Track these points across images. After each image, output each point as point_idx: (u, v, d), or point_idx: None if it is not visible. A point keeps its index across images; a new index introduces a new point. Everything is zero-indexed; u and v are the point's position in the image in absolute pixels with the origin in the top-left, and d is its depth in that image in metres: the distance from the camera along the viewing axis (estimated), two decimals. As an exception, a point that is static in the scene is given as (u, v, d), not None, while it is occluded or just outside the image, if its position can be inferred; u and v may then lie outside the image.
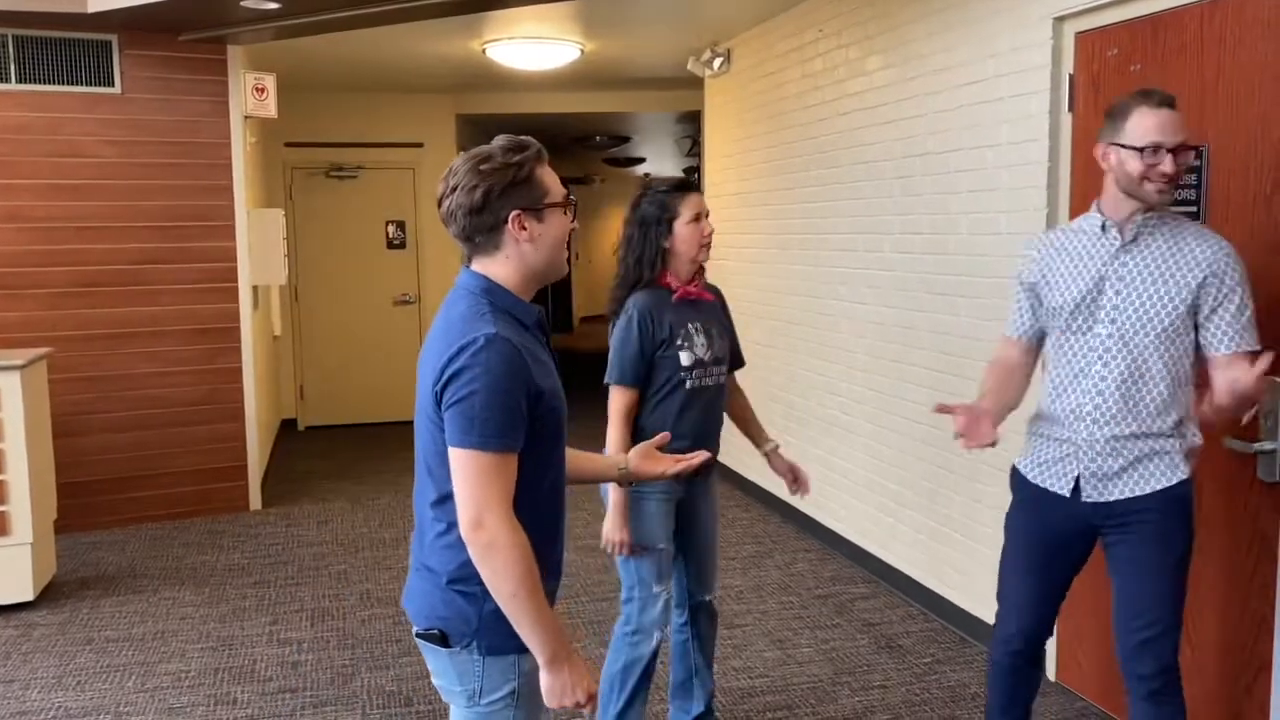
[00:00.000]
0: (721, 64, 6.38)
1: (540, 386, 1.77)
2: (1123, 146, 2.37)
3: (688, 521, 3.05)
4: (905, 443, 4.45)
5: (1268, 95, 2.73)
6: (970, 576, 4.01)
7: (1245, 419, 2.34)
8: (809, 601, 4.47)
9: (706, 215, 2.93)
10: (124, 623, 4.31)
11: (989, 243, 3.82)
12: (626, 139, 11.67)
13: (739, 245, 6.32)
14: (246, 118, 5.85)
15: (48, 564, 4.67)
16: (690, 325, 2.91)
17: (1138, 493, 2.44)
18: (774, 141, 5.73)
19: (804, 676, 3.73)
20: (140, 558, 5.15)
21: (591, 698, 1.80)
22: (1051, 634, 2.71)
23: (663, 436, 2.23)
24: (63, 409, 5.33)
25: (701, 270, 2.98)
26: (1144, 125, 2.34)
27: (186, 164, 5.63)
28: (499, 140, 1.83)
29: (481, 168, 1.78)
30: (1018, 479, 2.66)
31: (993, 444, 2.45)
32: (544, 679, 1.78)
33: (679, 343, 2.88)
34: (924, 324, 4.25)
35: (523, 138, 1.84)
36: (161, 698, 3.63)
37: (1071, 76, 3.40)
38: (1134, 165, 2.35)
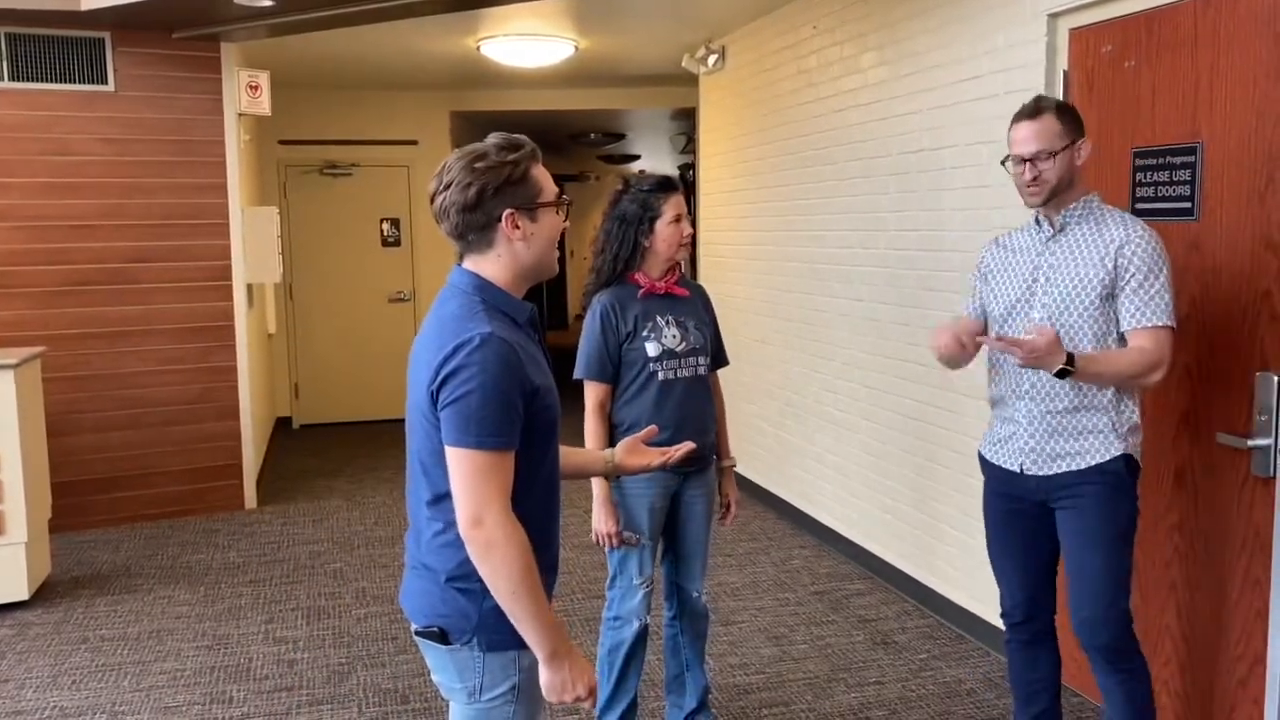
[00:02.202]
0: (716, 61, 6.37)
1: (535, 384, 1.78)
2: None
3: (680, 515, 3.08)
4: (901, 439, 4.46)
5: (1261, 92, 2.74)
6: (966, 572, 4.02)
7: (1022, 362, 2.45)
8: (805, 598, 4.47)
9: (686, 216, 2.97)
10: (119, 622, 4.31)
11: (983, 239, 3.82)
12: (621, 136, 11.66)
13: (735, 242, 6.33)
14: (240, 115, 5.84)
15: (42, 563, 4.66)
16: (659, 317, 2.94)
17: (1075, 468, 2.58)
18: (769, 138, 5.73)
19: (800, 673, 3.74)
20: (135, 557, 5.14)
21: (592, 691, 1.81)
22: (1052, 611, 2.79)
23: (649, 430, 2.23)
24: (57, 408, 5.31)
25: (676, 266, 3.01)
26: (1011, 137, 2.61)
27: (180, 162, 5.61)
28: (493, 138, 1.83)
29: (476, 165, 1.78)
30: (981, 460, 2.81)
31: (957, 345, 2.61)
32: (544, 675, 1.78)
33: (645, 334, 2.92)
34: (919, 320, 4.26)
35: (517, 136, 1.84)
36: (157, 697, 3.62)
37: (1066, 73, 3.41)
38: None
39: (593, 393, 2.95)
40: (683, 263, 3.06)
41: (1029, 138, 2.54)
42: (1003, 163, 2.64)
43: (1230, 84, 2.83)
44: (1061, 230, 2.62)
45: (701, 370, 3.02)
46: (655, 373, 2.92)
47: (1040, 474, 2.62)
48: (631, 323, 2.92)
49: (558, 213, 1.87)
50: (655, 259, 2.95)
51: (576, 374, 2.97)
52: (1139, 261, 2.50)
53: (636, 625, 3.01)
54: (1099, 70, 3.27)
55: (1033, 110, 2.57)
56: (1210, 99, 2.89)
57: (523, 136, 1.85)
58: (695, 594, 3.14)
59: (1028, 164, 2.55)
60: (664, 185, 2.95)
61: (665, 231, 2.92)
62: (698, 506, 3.08)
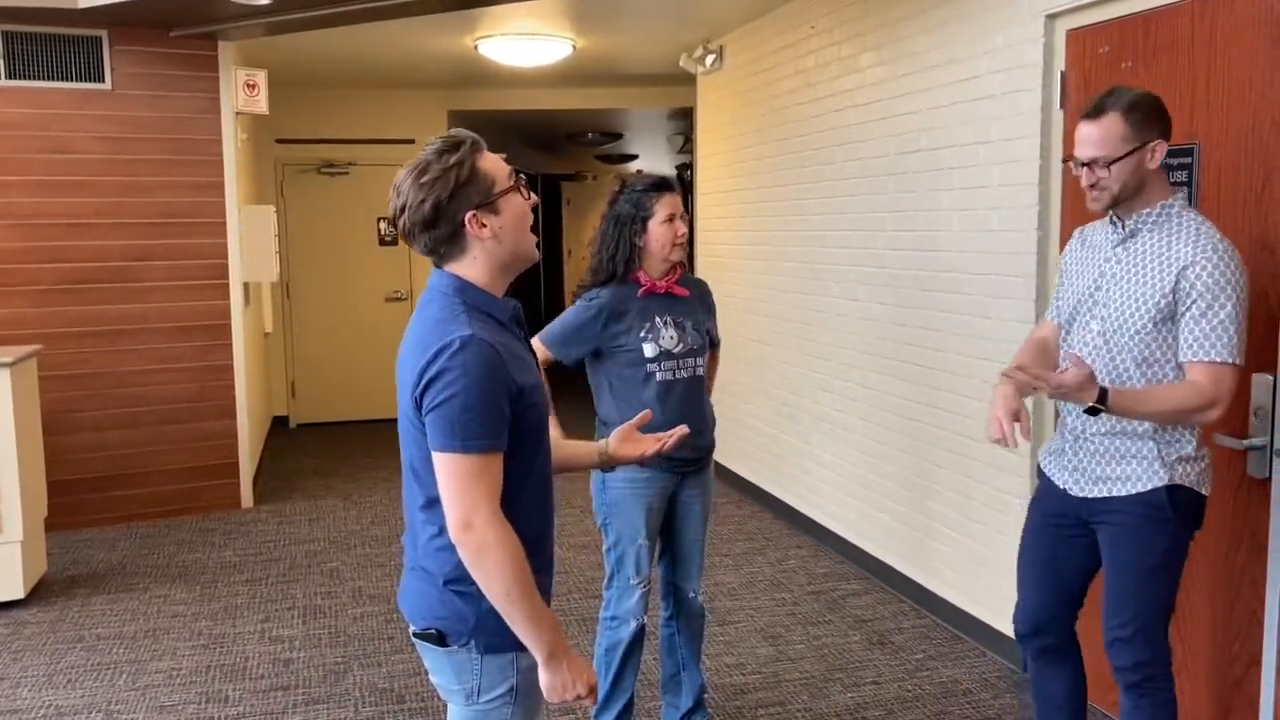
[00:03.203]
0: (714, 61, 6.37)
1: (520, 383, 1.76)
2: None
3: (677, 515, 3.08)
4: (897, 439, 4.46)
5: (1258, 93, 2.74)
6: (962, 573, 4.02)
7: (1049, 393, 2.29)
8: (801, 598, 4.47)
9: (681, 216, 2.96)
10: (115, 620, 4.30)
11: (980, 239, 3.83)
12: (619, 136, 11.65)
13: (732, 242, 6.33)
14: (237, 114, 5.83)
15: (38, 562, 4.66)
16: (657, 318, 2.94)
17: (1115, 493, 2.45)
18: (767, 138, 5.73)
19: (796, 673, 3.74)
20: (131, 555, 5.13)
21: (592, 689, 1.80)
22: (1066, 630, 2.69)
23: (644, 415, 2.20)
24: (53, 406, 5.31)
25: (678, 266, 3.01)
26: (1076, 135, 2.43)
27: (177, 160, 5.61)
28: (432, 145, 1.79)
29: (422, 180, 1.75)
30: (1038, 468, 2.73)
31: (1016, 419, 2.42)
32: (544, 676, 1.77)
33: (642, 335, 2.91)
34: (916, 320, 4.26)
35: (454, 133, 1.80)
36: (153, 695, 3.62)
37: (1063, 73, 3.41)
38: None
39: (541, 355, 2.84)
40: (682, 262, 3.06)
41: (1087, 140, 2.33)
42: (1065, 161, 2.49)
43: (1227, 85, 2.83)
44: (1132, 235, 2.41)
45: (699, 371, 3.02)
46: (653, 374, 2.92)
47: (1080, 494, 2.51)
48: (626, 322, 2.92)
49: (519, 193, 1.83)
50: (650, 259, 2.96)
51: (539, 337, 2.88)
52: (1201, 287, 2.26)
53: (633, 625, 3.01)
54: (1096, 71, 3.27)
55: (1095, 109, 2.33)
56: (1207, 100, 2.89)
57: (461, 131, 1.81)
58: (692, 594, 3.14)
59: (1085, 168, 2.35)
60: (658, 185, 2.95)
61: (658, 231, 2.92)
62: (695, 506, 3.09)
